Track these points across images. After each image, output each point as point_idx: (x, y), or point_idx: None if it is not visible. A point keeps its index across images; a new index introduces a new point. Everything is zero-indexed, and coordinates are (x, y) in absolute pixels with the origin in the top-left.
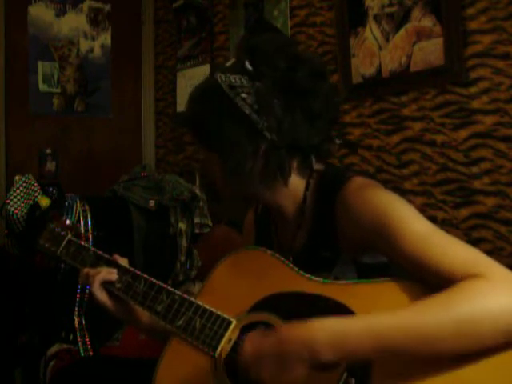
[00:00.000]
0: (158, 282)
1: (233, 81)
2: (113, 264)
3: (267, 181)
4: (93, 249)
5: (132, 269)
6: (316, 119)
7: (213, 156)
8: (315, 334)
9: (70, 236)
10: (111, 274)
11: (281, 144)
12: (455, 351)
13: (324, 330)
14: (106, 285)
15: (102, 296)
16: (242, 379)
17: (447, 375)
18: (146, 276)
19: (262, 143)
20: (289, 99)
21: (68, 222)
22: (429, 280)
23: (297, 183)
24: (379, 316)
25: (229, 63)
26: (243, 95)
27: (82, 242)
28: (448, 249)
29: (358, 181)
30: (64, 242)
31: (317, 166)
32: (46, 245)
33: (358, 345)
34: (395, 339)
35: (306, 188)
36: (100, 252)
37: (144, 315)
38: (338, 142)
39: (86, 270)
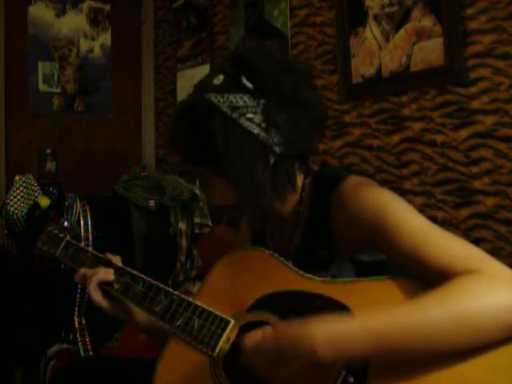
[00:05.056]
0: (156, 283)
1: (234, 101)
2: (111, 265)
3: (279, 191)
4: (91, 250)
5: (130, 270)
6: (318, 126)
7: (218, 179)
8: (313, 333)
9: (68, 238)
10: (108, 275)
11: (287, 155)
12: (455, 347)
13: (322, 329)
14: (104, 286)
15: (98, 296)
16: (240, 378)
17: (446, 371)
18: (144, 277)
19: (270, 158)
20: (293, 112)
21: (66, 223)
22: (427, 275)
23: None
24: (377, 314)
25: (217, 81)
26: (249, 115)
27: (82, 244)
28: (445, 244)
29: (353, 179)
30: (62, 244)
31: (312, 166)
32: (44, 248)
33: (356, 344)
34: (393, 337)
35: (302, 189)
36: (98, 253)
37: (141, 314)
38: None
39: (82, 270)
